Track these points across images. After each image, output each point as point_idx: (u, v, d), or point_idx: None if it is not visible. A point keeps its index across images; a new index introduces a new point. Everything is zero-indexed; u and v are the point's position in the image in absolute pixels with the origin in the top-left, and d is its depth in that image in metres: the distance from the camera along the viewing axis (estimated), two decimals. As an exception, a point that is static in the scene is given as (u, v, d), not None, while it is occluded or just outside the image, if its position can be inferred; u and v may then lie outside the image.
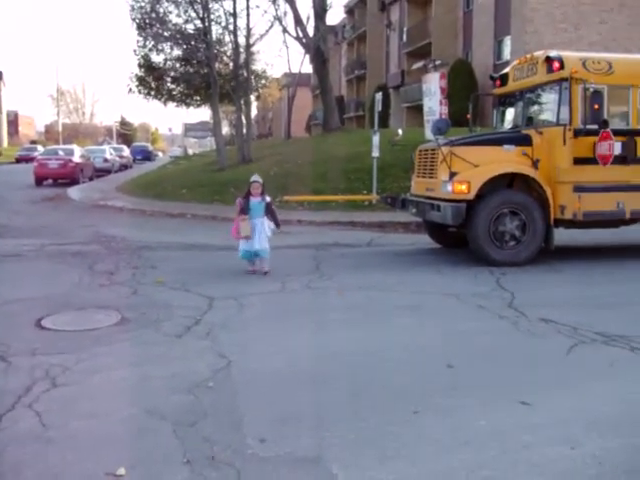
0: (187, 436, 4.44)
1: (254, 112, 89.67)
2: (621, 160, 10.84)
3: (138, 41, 30.83)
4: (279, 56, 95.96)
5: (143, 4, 29.47)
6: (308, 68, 59.92)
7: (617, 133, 10.78)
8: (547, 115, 11.72)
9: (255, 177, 10.14)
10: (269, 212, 10.12)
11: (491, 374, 5.72)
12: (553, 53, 11.22)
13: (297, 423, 4.65)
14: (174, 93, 32.92)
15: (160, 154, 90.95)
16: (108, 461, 4.08)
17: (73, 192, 26.33)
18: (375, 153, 18.80)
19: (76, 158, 33.19)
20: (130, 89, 32.11)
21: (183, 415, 4.78)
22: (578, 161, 10.78)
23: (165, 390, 5.30)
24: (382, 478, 3.88)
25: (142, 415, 4.82)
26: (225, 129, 69.49)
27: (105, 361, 6.08)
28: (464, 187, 10.55)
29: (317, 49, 32.56)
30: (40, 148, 55.22)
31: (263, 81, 36.38)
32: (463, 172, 10.68)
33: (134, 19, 29.56)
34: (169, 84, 32.46)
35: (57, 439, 4.43)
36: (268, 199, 10.17)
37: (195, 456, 4.15)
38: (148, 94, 32.43)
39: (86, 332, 6.98)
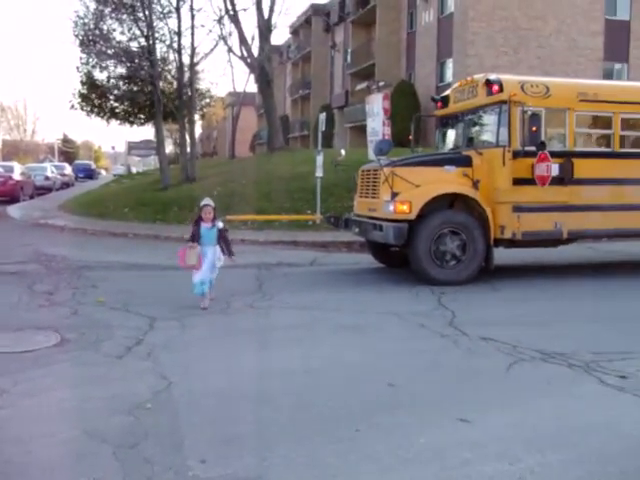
0: (127, 458, 4.38)
1: (198, 131, 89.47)
2: (559, 181, 11.09)
3: (81, 58, 30.55)
4: (224, 75, 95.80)
5: (86, 20, 29.16)
6: (253, 87, 60.08)
7: (554, 155, 11.02)
8: (487, 136, 11.95)
9: (206, 200, 9.17)
10: (221, 239, 9.14)
11: (432, 392, 5.78)
12: (492, 76, 11.46)
13: (239, 443, 4.64)
14: (117, 111, 32.63)
15: (103, 172, 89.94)
16: (46, 486, 4.01)
17: (13, 210, 25.81)
18: (319, 173, 18.87)
19: (16, 175, 32.55)
20: (72, 106, 31.76)
21: (124, 437, 4.72)
22: (517, 182, 11.00)
23: (105, 412, 5.23)
24: (323, 497, 3.89)
25: (81, 438, 4.74)
26: (169, 147, 69.01)
27: (44, 383, 5.97)
28: (406, 207, 10.67)
29: (262, 69, 32.67)
30: (-21, 166, 54.09)
31: (207, 100, 36.28)
32: (405, 192, 10.80)
33: (77, 35, 29.22)
34: (112, 102, 32.15)
35: (-7, 464, 4.33)
36: (220, 225, 9.21)
37: (135, 478, 4.11)
38: (91, 111, 32.10)
39: (24, 353, 6.84)
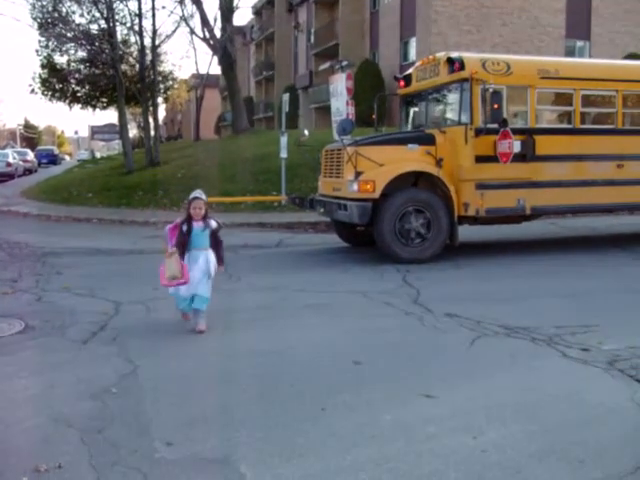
0: (94, 442, 4.37)
1: (162, 114, 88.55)
2: (521, 158, 11.19)
3: (40, 41, 30.18)
4: (187, 57, 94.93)
5: (44, 3, 28.74)
6: (216, 69, 59.58)
7: (516, 132, 11.12)
8: (449, 115, 12.01)
9: (196, 193, 7.06)
10: (215, 243, 7.14)
11: (397, 369, 5.82)
12: (454, 54, 11.50)
13: (205, 425, 4.64)
14: (79, 95, 32.29)
15: (67, 158, 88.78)
16: (11, 472, 3.98)
17: (-26, 198, 25.52)
18: (283, 154, 18.85)
19: (-24, 163, 32.15)
20: (33, 90, 31.37)
21: (90, 422, 4.70)
22: (480, 159, 11.08)
23: (71, 397, 5.21)
24: (289, 475, 3.91)
25: (47, 423, 4.71)
26: (133, 131, 68.41)
27: (8, 370, 5.92)
28: (369, 186, 10.70)
29: (224, 50, 32.46)
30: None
31: (170, 82, 36.01)
32: (368, 171, 10.83)
33: (35, 18, 28.81)
34: (74, 85, 31.82)
35: (-45, 452, 4.29)
36: (214, 224, 7.08)
37: (101, 462, 4.09)
38: (52, 96, 31.74)
39: (-12, 341, 6.78)
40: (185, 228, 6.92)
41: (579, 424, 4.59)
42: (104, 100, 33.08)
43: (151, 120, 30.66)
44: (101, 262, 11.90)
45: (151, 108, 30.31)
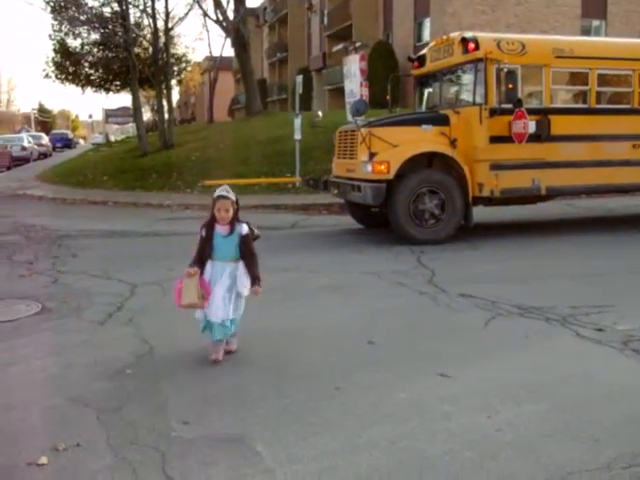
0: (111, 422, 4.41)
1: (176, 97, 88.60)
2: (536, 138, 11.14)
3: (53, 25, 30.21)
4: (200, 40, 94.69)
5: (57, -14, 28.74)
6: (230, 52, 59.46)
7: (531, 112, 11.06)
8: (464, 95, 11.96)
9: (222, 190, 5.54)
10: (246, 254, 5.58)
11: (411, 349, 5.84)
12: (468, 34, 11.42)
13: (220, 404, 4.67)
14: (92, 78, 32.34)
15: (81, 141, 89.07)
16: (29, 451, 4.01)
17: (-10, 182, 25.68)
18: (297, 136, 18.82)
19: (-8, 147, 32.34)
20: (47, 74, 31.42)
21: (107, 401, 4.75)
22: (494, 140, 11.03)
23: (88, 378, 5.25)
24: (305, 453, 3.93)
25: (64, 404, 4.76)
26: (147, 114, 68.54)
27: (25, 351, 5.98)
28: (383, 167, 10.68)
29: (237, 32, 32.35)
30: (-46, 137, 53.48)
31: (184, 65, 36.01)
32: (382, 152, 10.81)
33: (48, 2, 28.80)
34: (87, 69, 31.88)
35: (-25, 433, 4.35)
36: (245, 230, 5.54)
37: (119, 441, 4.14)
38: (65, 79, 31.78)
39: (5, 323, 6.85)
40: (205, 233, 5.50)
41: (593, 403, 4.59)
42: (117, 83, 33.12)
43: (165, 103, 30.69)
44: (116, 244, 11.95)
45: (165, 91, 30.33)
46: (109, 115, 62.91)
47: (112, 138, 65.00)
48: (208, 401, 4.72)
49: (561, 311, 6.79)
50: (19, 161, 37.70)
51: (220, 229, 5.46)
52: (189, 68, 39.46)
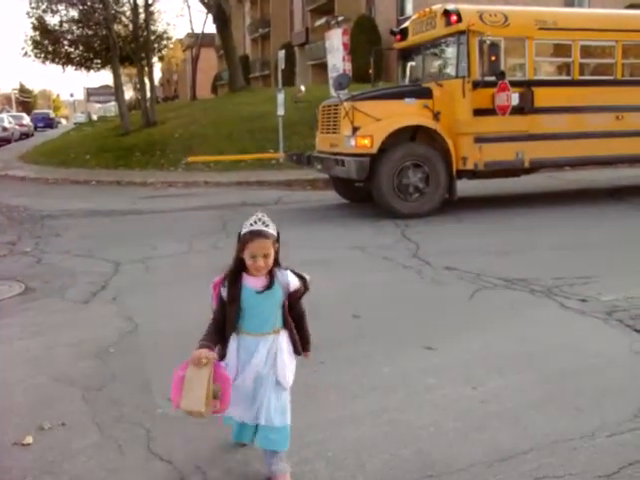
0: (96, 400, 4.40)
1: (159, 75, 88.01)
2: (519, 110, 11.12)
3: (31, 2, 29.73)
4: (181, 16, 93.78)
5: (34, -40, 28.35)
6: (212, 28, 58.89)
7: (514, 84, 11.03)
8: (447, 68, 11.91)
9: (258, 222, 3.27)
10: (293, 318, 3.51)
11: (396, 322, 5.84)
12: (451, 6, 11.35)
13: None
14: (72, 56, 31.92)
15: (63, 121, 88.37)
16: (15, 431, 4.00)
17: (-30, 163, 25.43)
18: (280, 111, 18.73)
19: (-29, 128, 32.05)
20: (26, 53, 31.02)
21: (92, 380, 4.73)
22: (478, 112, 11.01)
23: (72, 357, 5.23)
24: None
25: (49, 383, 4.73)
26: (130, 93, 67.97)
27: (9, 332, 5.93)
28: (367, 141, 10.65)
29: (219, 8, 32.05)
30: None
31: (165, 42, 35.63)
32: (365, 126, 10.76)
33: (25, -23, 28.42)
34: (67, 47, 31.45)
35: (-41, 412, 4.32)
36: (293, 281, 3.45)
37: (104, 419, 4.12)
38: (45, 58, 31.38)
39: (-12, 304, 6.80)
40: (226, 294, 3.35)
41: (578, 373, 4.61)
42: (98, 61, 32.73)
43: (147, 81, 30.42)
44: (99, 223, 11.87)
45: (146, 68, 30.05)
46: (91, 94, 62.45)
47: (94, 117, 64.52)
48: (192, 377, 4.70)
49: (545, 282, 6.81)
50: (0, 142, 37.31)
51: (252, 282, 3.30)
52: (170, 45, 39.11)
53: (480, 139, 11.01)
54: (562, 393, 4.30)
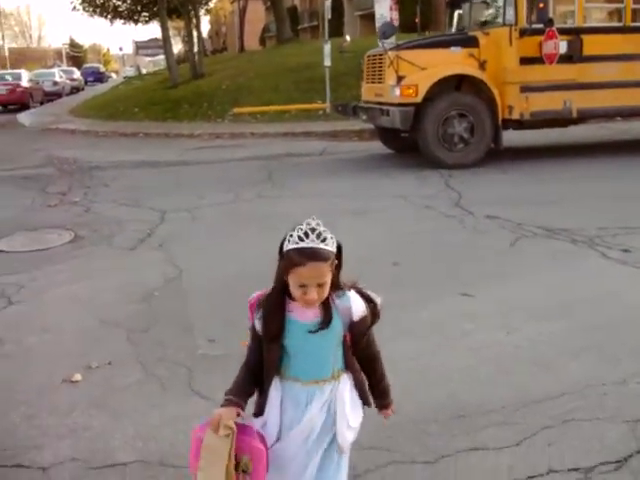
0: (140, 341, 4.58)
1: (207, 27, 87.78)
2: (567, 59, 10.89)
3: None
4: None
5: None
6: (259, -22, 58.26)
7: (563, 32, 10.80)
8: (493, 16, 11.70)
9: (310, 237, 2.22)
10: (362, 359, 2.43)
11: (435, 270, 5.90)
12: (498, -48, 11.12)
13: (246, 323, 4.77)
14: (120, 9, 32.01)
15: (113, 75, 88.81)
16: (64, 369, 4.19)
17: (23, 117, 25.85)
18: (327, 62, 18.62)
19: (24, 83, 32.49)
20: (74, 7, 31.17)
21: (137, 322, 4.92)
22: (524, 61, 10.82)
23: (119, 301, 5.42)
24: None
25: (96, 325, 4.93)
26: (179, 46, 68.06)
27: (59, 278, 6.14)
28: (412, 91, 10.57)
29: (266, -42, 31.77)
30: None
31: (212, -6, 35.50)
32: (410, 75, 10.68)
33: None
34: (114, 0, 31.53)
35: (14, 354, 4.53)
36: (359, 308, 2.35)
37: (148, 359, 4.30)
38: (93, 11, 31.53)
39: (40, 252, 7.03)
40: (263, 328, 2.34)
41: (616, 323, 4.61)
42: (146, 14, 32.77)
43: (194, 33, 30.41)
44: (147, 174, 12.03)
45: (194, 20, 30.02)
46: (139, 47, 62.65)
47: (144, 71, 64.75)
48: (233, 321, 4.82)
49: (588, 232, 6.75)
50: (51, 96, 37.70)
51: (300, 314, 2.31)
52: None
53: (526, 88, 10.84)
54: (597, 342, 4.32)
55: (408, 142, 12.31)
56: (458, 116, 10.77)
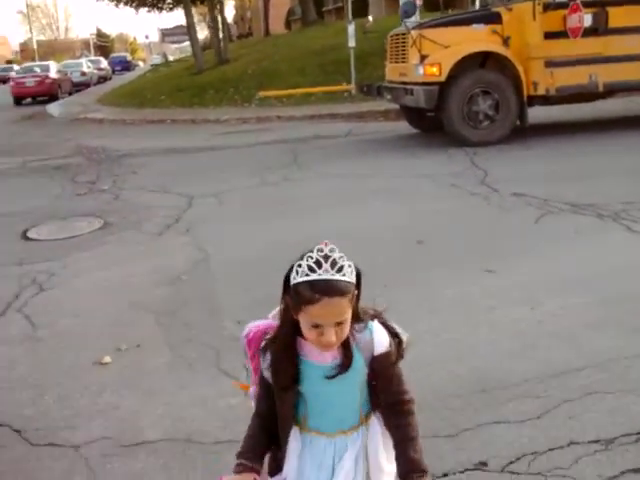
0: (168, 324, 4.69)
1: (232, 12, 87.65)
2: (592, 32, 10.73)
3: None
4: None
5: None
6: (282, -39, 58.06)
7: (587, 4, 10.63)
8: (517, -10, 11.57)
9: (323, 262, 1.81)
10: (388, 405, 1.98)
11: (460, 247, 5.92)
12: None
13: (272, 305, 4.84)
14: (145, -3, 32.20)
15: (141, 63, 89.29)
16: (95, 352, 4.30)
17: (52, 108, 26.07)
18: (351, 43, 18.56)
19: (53, 74, 32.81)
20: (99, -4, 31.39)
21: (165, 305, 5.03)
22: (549, 36, 10.70)
23: (147, 285, 5.52)
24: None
25: (125, 309, 5.04)
26: (204, 32, 68.12)
27: (89, 264, 6.27)
28: (435, 69, 10.53)
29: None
30: (16, 67, 54.15)
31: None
32: (433, 54, 10.63)
33: None
34: (139, -12, 31.71)
35: (46, 337, 4.65)
36: (382, 342, 1.96)
37: (176, 340, 4.40)
38: (119, 1, 31.70)
39: (70, 239, 7.16)
40: (272, 376, 1.97)
41: (638, 296, 4.61)
42: (170, 1, 32.91)
43: (219, 18, 30.45)
44: (174, 160, 12.11)
45: (217, 6, 30.06)
46: (165, 35, 62.90)
47: (170, 58, 64.99)
48: (260, 303, 4.84)
49: (614, 207, 6.72)
50: (80, 86, 38.04)
51: (316, 355, 1.94)
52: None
53: (551, 63, 10.73)
54: (621, 315, 4.33)
55: (434, 121, 12.25)
56: (482, 93, 10.69)
